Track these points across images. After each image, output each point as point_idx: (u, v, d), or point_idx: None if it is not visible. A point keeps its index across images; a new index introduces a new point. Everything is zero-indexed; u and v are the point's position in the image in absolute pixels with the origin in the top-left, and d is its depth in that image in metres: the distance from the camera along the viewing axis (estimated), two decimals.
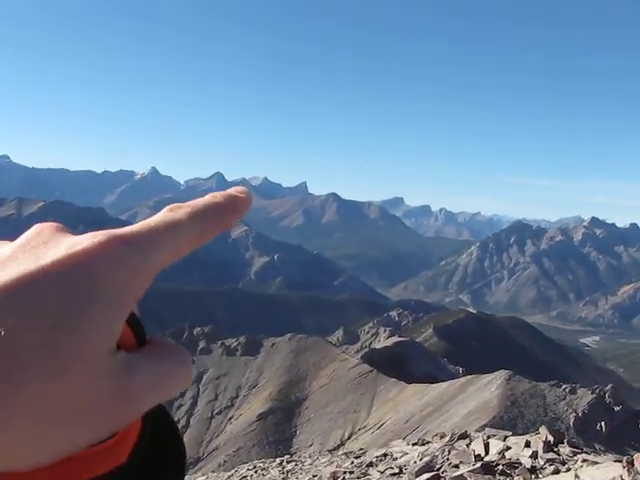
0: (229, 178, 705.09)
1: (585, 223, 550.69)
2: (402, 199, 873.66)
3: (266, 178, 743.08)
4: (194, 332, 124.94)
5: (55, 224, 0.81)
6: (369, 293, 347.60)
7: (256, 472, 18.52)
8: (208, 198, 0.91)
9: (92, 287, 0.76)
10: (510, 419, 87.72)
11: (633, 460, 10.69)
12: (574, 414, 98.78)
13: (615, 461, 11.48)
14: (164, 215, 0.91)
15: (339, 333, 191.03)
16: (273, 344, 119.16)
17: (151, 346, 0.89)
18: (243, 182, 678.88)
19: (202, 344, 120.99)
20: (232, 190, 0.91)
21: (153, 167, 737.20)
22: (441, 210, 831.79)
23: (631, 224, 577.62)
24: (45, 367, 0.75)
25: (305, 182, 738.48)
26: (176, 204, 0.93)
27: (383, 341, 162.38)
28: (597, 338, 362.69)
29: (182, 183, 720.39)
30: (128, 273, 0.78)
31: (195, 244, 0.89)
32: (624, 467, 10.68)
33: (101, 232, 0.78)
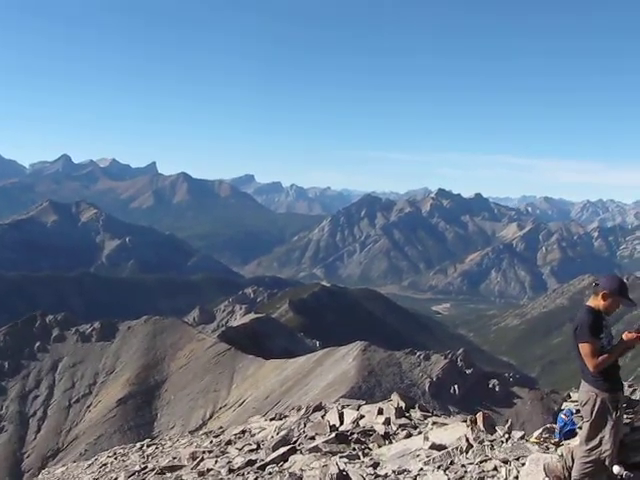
0: (76, 160, 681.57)
1: (432, 194, 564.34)
2: (253, 176, 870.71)
3: (114, 159, 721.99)
4: (47, 320, 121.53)
5: None
6: (223, 272, 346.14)
7: (116, 459, 18.44)
8: None
9: None
10: (368, 388, 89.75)
11: (476, 419, 11.33)
12: (429, 379, 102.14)
13: (463, 421, 12.09)
14: None
15: (195, 313, 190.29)
16: (129, 328, 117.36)
17: None
18: (91, 164, 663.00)
19: (55, 332, 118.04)
20: None
21: None
22: (292, 186, 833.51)
23: (476, 194, 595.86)
24: None
25: (155, 162, 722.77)
26: None
27: (239, 319, 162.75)
28: (448, 305, 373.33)
29: (27, 167, 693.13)
30: None
31: None
32: (468, 426, 11.32)
33: None
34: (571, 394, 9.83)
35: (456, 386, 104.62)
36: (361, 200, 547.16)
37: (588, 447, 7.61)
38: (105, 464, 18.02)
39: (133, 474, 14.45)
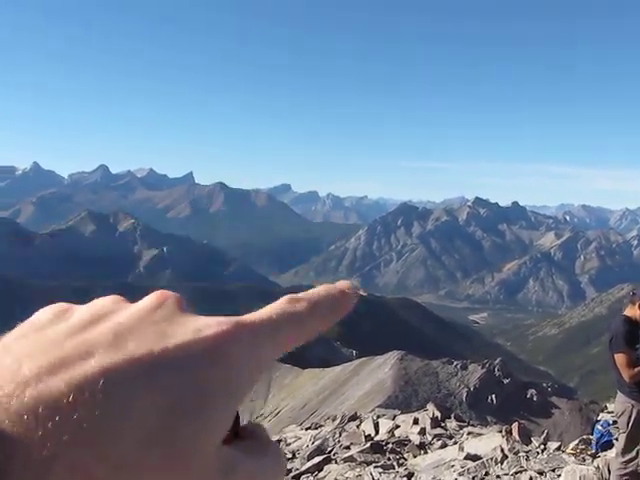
0: (114, 170, 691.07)
1: (469, 203, 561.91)
2: (289, 186, 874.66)
3: (152, 169, 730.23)
4: None
5: (177, 297, 0.79)
6: (260, 281, 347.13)
7: None
8: (323, 293, 0.85)
9: (219, 375, 0.75)
10: (405, 398, 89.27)
11: (511, 429, 11.27)
12: (466, 389, 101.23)
13: (498, 432, 12.03)
14: (284, 307, 0.83)
15: None
16: None
17: (246, 439, 0.79)
18: (128, 174, 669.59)
19: None
20: (341, 285, 0.87)
21: (35, 162, 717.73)
22: (328, 195, 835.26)
23: (513, 203, 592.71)
24: (156, 455, 0.73)
25: (191, 172, 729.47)
26: (294, 296, 0.82)
27: None
28: (485, 314, 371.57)
29: (66, 177, 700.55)
30: (254, 363, 0.76)
31: (308, 339, 0.86)
32: (504, 436, 11.25)
33: (225, 319, 0.76)
34: (608, 405, 9.75)
35: (493, 396, 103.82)
36: (397, 209, 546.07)
37: (625, 459, 7.53)
38: None
39: None
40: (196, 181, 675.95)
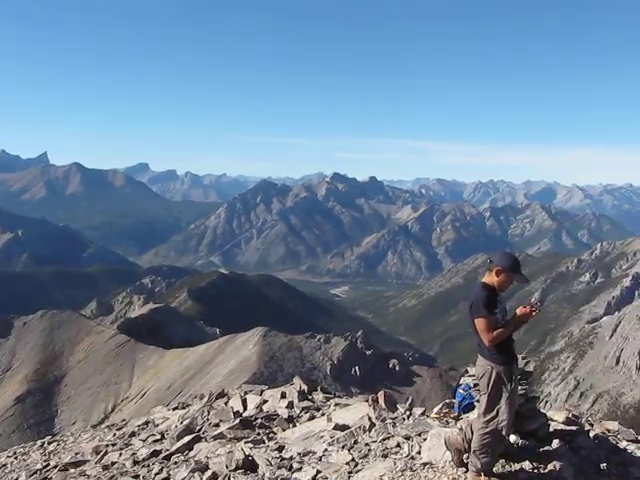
0: None
1: (327, 179, 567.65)
2: (147, 165, 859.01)
3: (3, 150, 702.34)
4: None
5: None
6: (120, 262, 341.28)
7: (16, 458, 17.96)
8: None
9: None
10: (270, 373, 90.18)
11: (377, 398, 11.56)
12: (330, 362, 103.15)
13: (364, 401, 12.30)
14: None
15: (92, 305, 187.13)
16: (24, 323, 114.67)
17: None
18: None
19: None
20: None
21: None
22: (187, 174, 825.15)
23: (370, 178, 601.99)
24: None
25: (46, 152, 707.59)
26: None
27: (138, 309, 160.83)
28: (346, 288, 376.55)
29: None
30: None
31: None
32: (370, 405, 11.53)
33: None
34: (469, 369, 10.10)
35: (357, 367, 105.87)
36: (257, 186, 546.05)
37: (486, 419, 7.86)
38: (5, 464, 17.58)
39: (35, 473, 14.16)
40: (51, 162, 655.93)
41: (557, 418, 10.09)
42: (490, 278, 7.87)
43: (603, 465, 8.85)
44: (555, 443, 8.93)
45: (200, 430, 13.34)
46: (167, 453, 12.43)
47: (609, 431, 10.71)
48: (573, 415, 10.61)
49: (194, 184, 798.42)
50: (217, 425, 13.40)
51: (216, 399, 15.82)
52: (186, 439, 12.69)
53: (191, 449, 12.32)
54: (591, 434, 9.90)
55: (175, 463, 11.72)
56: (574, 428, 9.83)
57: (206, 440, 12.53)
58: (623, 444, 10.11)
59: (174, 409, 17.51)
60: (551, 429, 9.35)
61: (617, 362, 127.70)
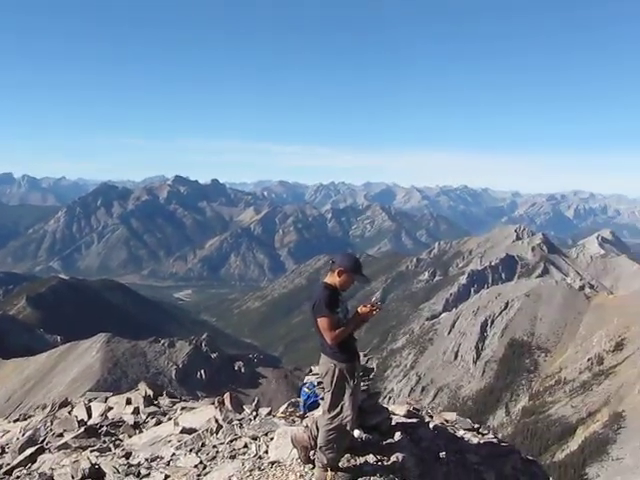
0: None
1: (169, 181, 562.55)
2: None
3: None
4: None
5: None
6: None
7: None
8: None
9: None
10: (115, 380, 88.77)
11: (224, 400, 11.66)
12: (175, 366, 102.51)
13: (211, 404, 12.36)
14: None
15: None
16: None
17: None
18: None
19: None
20: None
21: None
22: (24, 177, 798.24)
23: (212, 180, 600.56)
24: None
25: None
26: None
27: None
28: (189, 291, 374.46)
29: None
30: None
31: None
32: (216, 408, 11.62)
33: None
34: (313, 368, 10.33)
35: (202, 371, 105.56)
36: (97, 189, 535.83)
37: (330, 415, 8.07)
38: None
39: None
40: None
41: (399, 412, 10.50)
42: (332, 278, 8.07)
43: (442, 454, 9.30)
44: (397, 436, 9.27)
45: (43, 441, 13.03)
46: (8, 467, 12.06)
47: (447, 422, 11.25)
48: (414, 408, 11.07)
49: (32, 187, 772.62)
50: (61, 435, 13.13)
51: (59, 408, 15.48)
52: (28, 451, 12.36)
53: (34, 461, 12.00)
54: (431, 425, 10.36)
55: (17, 477, 11.41)
56: (415, 421, 10.25)
57: (50, 451, 12.25)
58: (460, 433, 10.65)
59: (15, 421, 17.02)
60: (393, 423, 9.69)
61: (455, 357, 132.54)
